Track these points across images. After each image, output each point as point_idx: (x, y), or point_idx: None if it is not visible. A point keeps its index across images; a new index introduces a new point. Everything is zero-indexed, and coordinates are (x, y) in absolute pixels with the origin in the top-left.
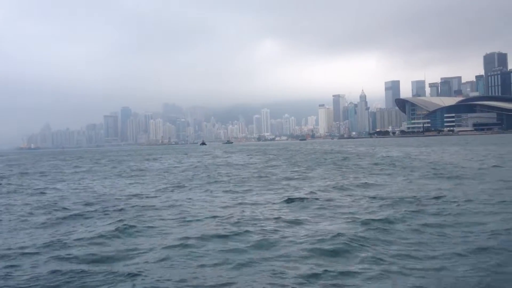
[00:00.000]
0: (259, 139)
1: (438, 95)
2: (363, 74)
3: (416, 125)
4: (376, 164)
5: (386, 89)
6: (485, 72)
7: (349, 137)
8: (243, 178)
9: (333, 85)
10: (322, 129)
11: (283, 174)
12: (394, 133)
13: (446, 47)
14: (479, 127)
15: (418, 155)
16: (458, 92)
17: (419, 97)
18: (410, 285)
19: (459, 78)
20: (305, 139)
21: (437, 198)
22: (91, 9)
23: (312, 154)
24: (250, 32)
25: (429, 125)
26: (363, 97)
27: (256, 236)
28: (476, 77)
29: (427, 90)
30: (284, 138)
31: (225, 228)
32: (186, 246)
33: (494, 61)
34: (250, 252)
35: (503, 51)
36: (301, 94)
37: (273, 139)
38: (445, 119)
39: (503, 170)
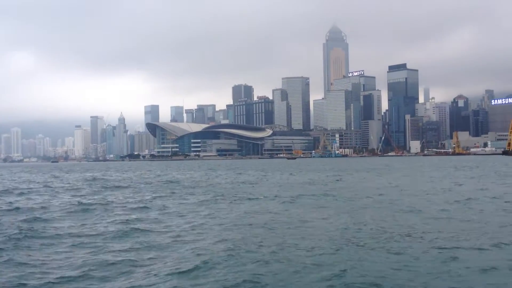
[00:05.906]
0: (5, 160)
1: (193, 121)
2: (125, 96)
3: (165, 149)
4: None
5: (146, 113)
6: (234, 102)
7: (105, 159)
8: None
9: (93, 106)
10: (78, 151)
11: None
12: (144, 156)
13: (206, 75)
14: (222, 153)
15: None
16: (211, 119)
17: (168, 123)
18: None
19: (214, 106)
20: (57, 161)
21: None
22: None
23: None
24: None
25: (178, 149)
26: (121, 120)
27: None
28: (227, 106)
29: (185, 116)
30: (34, 159)
31: None
32: None
33: (241, 92)
34: None
35: (249, 84)
36: (58, 114)
37: (21, 161)
38: (192, 144)
39: None
